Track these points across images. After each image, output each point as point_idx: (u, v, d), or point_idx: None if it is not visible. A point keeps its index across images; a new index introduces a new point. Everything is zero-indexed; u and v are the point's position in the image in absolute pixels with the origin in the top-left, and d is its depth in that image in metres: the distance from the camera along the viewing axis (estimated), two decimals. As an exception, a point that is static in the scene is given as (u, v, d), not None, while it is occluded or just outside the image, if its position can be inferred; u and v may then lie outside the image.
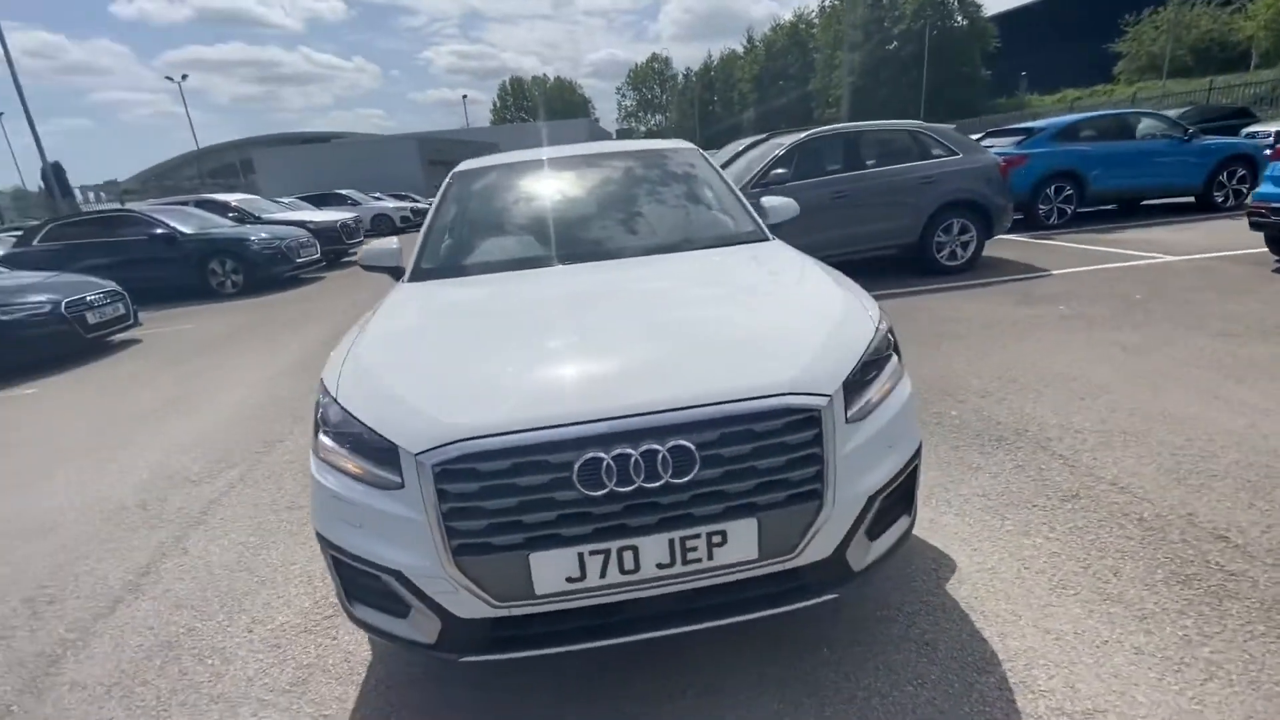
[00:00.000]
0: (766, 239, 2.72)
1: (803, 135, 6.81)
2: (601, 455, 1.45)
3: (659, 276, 2.36)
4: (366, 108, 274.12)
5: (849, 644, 1.93)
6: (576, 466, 1.45)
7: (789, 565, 1.58)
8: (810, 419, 1.55)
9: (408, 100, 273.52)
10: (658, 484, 1.47)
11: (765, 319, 1.88)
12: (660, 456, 1.46)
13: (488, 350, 1.83)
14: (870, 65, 47.32)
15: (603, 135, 77.31)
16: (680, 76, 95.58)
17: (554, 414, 1.49)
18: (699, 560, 1.52)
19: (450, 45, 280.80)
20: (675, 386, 1.54)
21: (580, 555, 1.47)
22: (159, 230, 10.44)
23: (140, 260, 10.27)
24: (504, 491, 1.46)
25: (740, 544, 1.53)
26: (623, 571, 1.50)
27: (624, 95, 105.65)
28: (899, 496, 1.78)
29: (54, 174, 24.26)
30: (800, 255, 2.50)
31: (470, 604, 1.50)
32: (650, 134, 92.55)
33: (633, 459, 1.45)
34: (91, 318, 6.93)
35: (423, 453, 1.46)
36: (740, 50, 71.41)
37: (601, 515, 1.48)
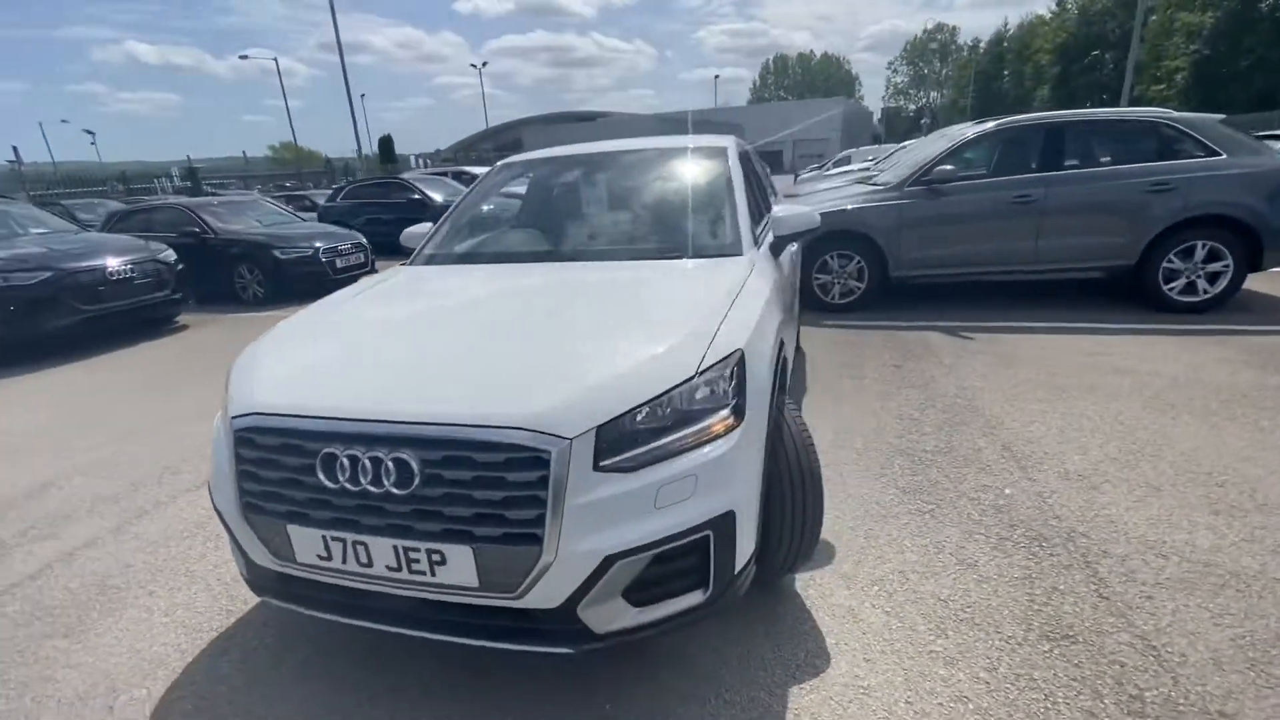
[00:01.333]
0: (738, 254, 2.46)
1: (989, 125, 5.70)
2: (337, 452, 1.57)
3: (575, 287, 2.31)
4: (639, 88, 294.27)
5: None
6: (319, 457, 1.59)
7: (514, 604, 1.53)
8: (537, 459, 1.46)
9: (677, 80, 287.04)
10: (380, 491, 1.54)
11: (589, 345, 1.76)
12: (384, 465, 1.52)
13: (351, 339, 2.03)
14: (1229, 28, 36.16)
15: (862, 115, 72.21)
16: (966, 49, 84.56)
17: (313, 406, 1.65)
18: (423, 574, 1.56)
19: (723, 25, 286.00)
20: (430, 402, 1.58)
21: (325, 538, 1.61)
22: (415, 196, 12.75)
23: (402, 219, 12.61)
24: (271, 465, 1.66)
25: (459, 569, 1.53)
26: (359, 563, 1.61)
27: (895, 71, 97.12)
28: (679, 566, 1.58)
29: (383, 145, 31.24)
30: (738, 277, 2.23)
31: (261, 553, 1.74)
32: (918, 113, 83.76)
33: (360, 461, 1.54)
34: (339, 262, 8.83)
35: (233, 417, 1.74)
36: (1047, 15, 60.30)
37: (339, 507, 1.59)
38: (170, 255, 7.29)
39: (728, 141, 3.14)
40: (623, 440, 1.52)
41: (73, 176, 28.43)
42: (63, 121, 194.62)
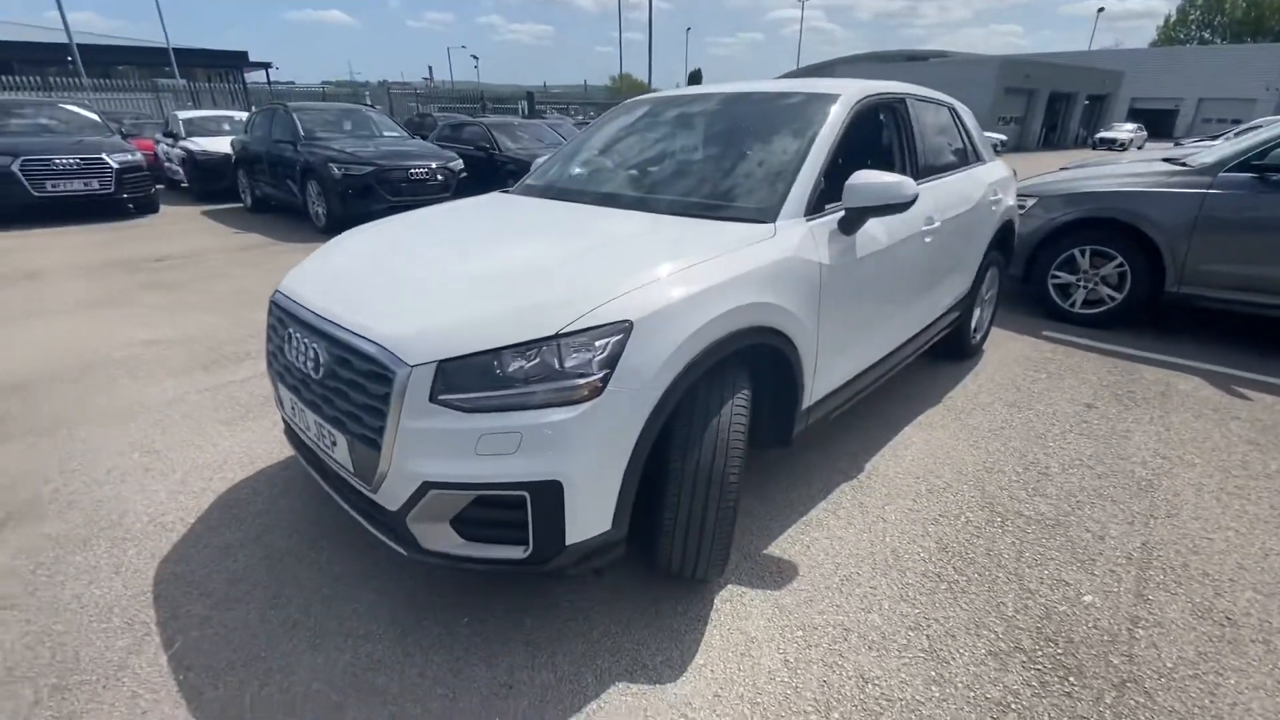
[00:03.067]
0: (764, 221, 2.13)
1: None
2: (293, 332, 1.91)
3: (567, 230, 2.28)
4: (1003, 23, 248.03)
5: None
6: (287, 333, 1.96)
7: (371, 496, 1.73)
8: (384, 377, 1.59)
9: (1055, 14, 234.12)
10: (308, 371, 1.85)
11: (497, 286, 1.77)
12: (310, 350, 1.82)
13: (369, 249, 2.34)
14: None
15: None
16: None
17: (296, 293, 2.01)
18: (328, 448, 1.85)
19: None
20: (349, 309, 1.81)
21: (290, 399, 2.01)
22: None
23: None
24: (273, 332, 2.10)
25: (342, 452, 1.78)
26: (302, 426, 1.97)
27: None
28: (499, 516, 1.60)
29: (692, 79, 32.37)
30: (732, 245, 1.97)
31: (277, 400, 2.24)
32: None
33: (301, 343, 1.86)
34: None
35: (273, 294, 2.21)
36: None
37: (292, 376, 1.96)
38: (458, 164, 8.88)
39: (843, 91, 2.64)
40: (464, 379, 1.56)
41: (460, 94, 35.82)
42: (461, 47, 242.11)
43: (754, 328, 1.88)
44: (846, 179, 2.23)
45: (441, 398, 1.56)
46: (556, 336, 1.56)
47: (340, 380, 1.74)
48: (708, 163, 2.66)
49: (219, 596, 2.02)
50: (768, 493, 2.59)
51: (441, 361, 1.55)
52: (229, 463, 2.82)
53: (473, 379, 1.56)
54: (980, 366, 3.97)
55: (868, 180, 2.20)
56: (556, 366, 1.55)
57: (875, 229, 2.46)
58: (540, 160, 3.44)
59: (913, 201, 2.22)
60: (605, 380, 1.56)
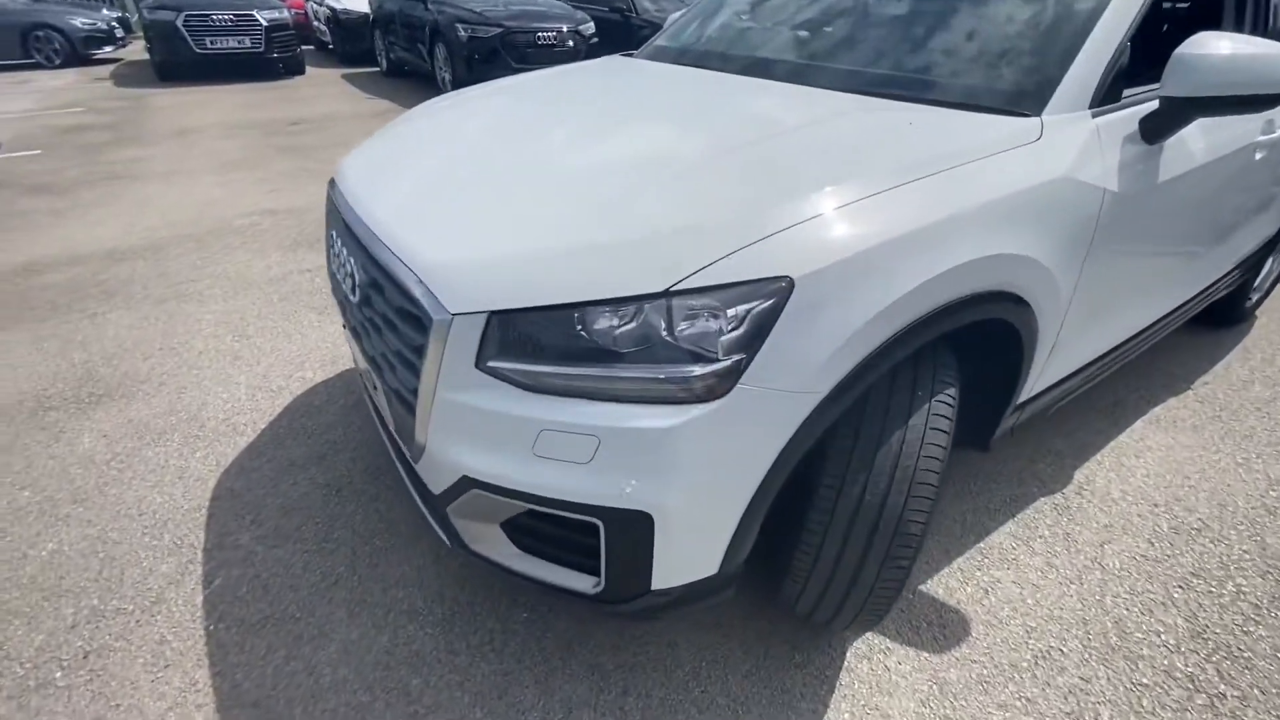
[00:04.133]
0: (1028, 114, 1.31)
1: None
2: (334, 233, 1.47)
3: (721, 119, 1.55)
4: None
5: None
6: (330, 233, 1.52)
7: (413, 459, 1.33)
8: (417, 321, 1.12)
9: None
10: (346, 288, 1.42)
11: (622, 206, 1.16)
12: (349, 265, 1.38)
13: (457, 130, 1.79)
14: None
15: None
16: None
17: (343, 186, 1.54)
18: (373, 390, 1.46)
19: None
20: (396, 215, 1.31)
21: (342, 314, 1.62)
22: None
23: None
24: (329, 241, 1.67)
25: (382, 401, 1.37)
26: (353, 352, 1.59)
27: None
28: (565, 536, 1.12)
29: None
30: (956, 163, 1.19)
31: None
32: None
33: (339, 248, 1.43)
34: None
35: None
36: None
37: (338, 288, 1.54)
38: (589, 28, 7.96)
39: None
40: (526, 344, 1.04)
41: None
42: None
43: (986, 294, 1.18)
44: (1162, 46, 1.34)
45: (491, 364, 1.06)
46: (667, 294, 0.97)
47: (376, 312, 1.30)
48: (924, 11, 1.79)
49: (268, 528, 1.80)
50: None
51: (495, 313, 1.04)
52: (310, 360, 2.60)
53: (537, 343, 1.04)
54: (1251, 339, 2.86)
55: (1218, 50, 1.29)
56: (664, 342, 0.99)
57: (1193, 137, 1.54)
58: (676, 15, 2.66)
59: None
60: (739, 371, 0.98)
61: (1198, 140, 1.58)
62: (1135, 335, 1.89)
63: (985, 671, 1.46)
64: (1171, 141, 1.48)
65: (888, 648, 1.51)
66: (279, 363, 2.58)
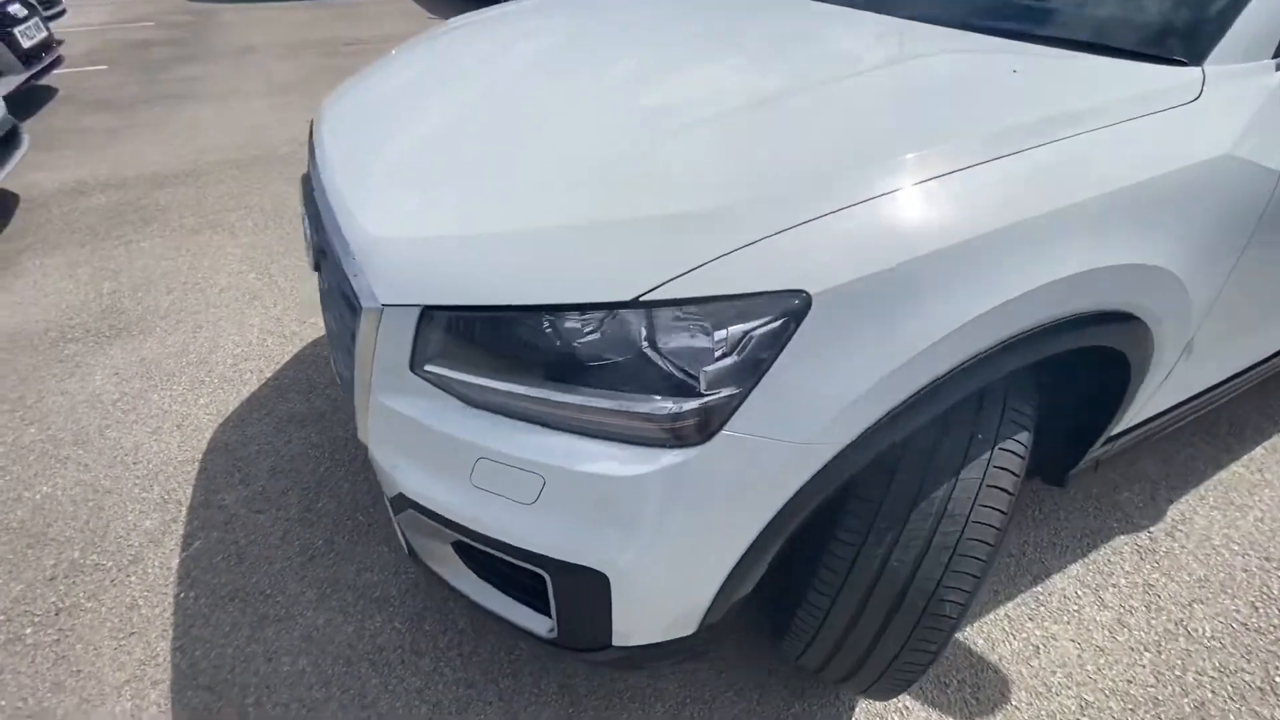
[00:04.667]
0: (1181, 63, 0.95)
1: None
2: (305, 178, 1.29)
3: (774, 53, 1.24)
4: None
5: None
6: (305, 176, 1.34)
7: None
8: (349, 304, 0.93)
9: None
10: (309, 255, 1.24)
11: (614, 178, 0.90)
12: (314, 235, 1.19)
13: (457, 61, 1.52)
14: None
15: None
16: None
17: (319, 123, 1.33)
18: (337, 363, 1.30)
19: None
20: (366, 183, 1.09)
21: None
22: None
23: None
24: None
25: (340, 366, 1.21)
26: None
27: None
28: (509, 573, 0.94)
29: None
30: (1070, 130, 0.86)
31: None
32: None
33: (305, 217, 1.24)
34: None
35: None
36: None
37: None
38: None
39: None
40: (467, 349, 0.83)
41: None
42: None
43: (1090, 316, 0.88)
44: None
45: (429, 369, 0.86)
46: (636, 305, 0.73)
47: (325, 281, 1.12)
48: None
49: (254, 490, 1.73)
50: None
51: (429, 308, 0.83)
52: (326, 306, 2.50)
53: (480, 350, 0.83)
54: None
55: None
56: (630, 366, 0.76)
57: None
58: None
59: None
60: (728, 410, 0.74)
61: None
62: (1269, 357, 1.50)
63: (1022, 752, 1.23)
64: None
65: (905, 706, 1.29)
66: (294, 306, 2.48)
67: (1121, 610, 1.47)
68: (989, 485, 0.91)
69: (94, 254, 2.84)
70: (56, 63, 4.69)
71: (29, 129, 4.08)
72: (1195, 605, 1.48)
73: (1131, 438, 1.35)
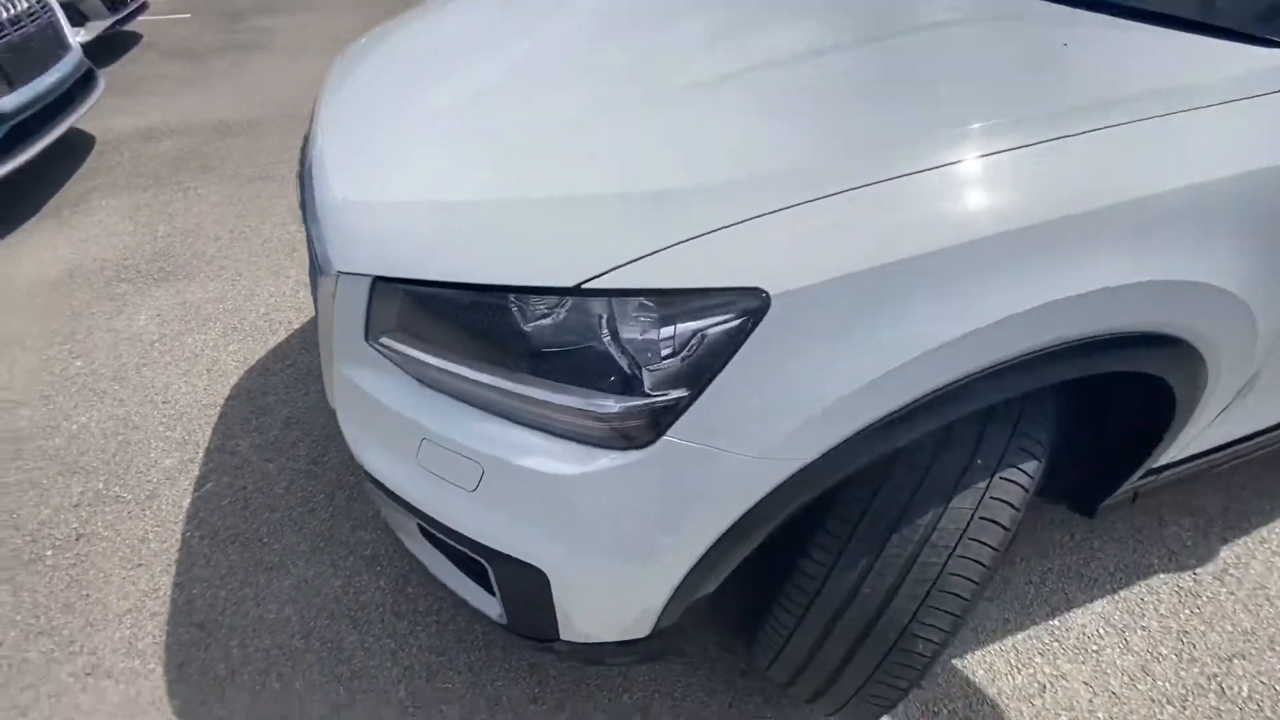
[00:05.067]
0: (1268, 43, 0.79)
1: None
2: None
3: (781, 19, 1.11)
4: None
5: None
6: None
7: None
8: (317, 266, 0.90)
9: None
10: (300, 207, 1.23)
11: (604, 151, 0.83)
12: (300, 189, 1.17)
13: (482, 18, 1.46)
14: None
15: None
16: None
17: (328, 78, 1.30)
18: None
19: None
20: (348, 144, 1.05)
21: None
22: None
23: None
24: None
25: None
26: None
27: None
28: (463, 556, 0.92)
29: None
30: (1113, 115, 0.73)
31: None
32: None
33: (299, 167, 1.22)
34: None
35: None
36: None
37: None
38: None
39: None
40: (419, 320, 0.79)
41: None
42: None
43: (1127, 337, 0.76)
44: None
45: (384, 341, 0.83)
46: (578, 292, 0.67)
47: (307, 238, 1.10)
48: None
49: (268, 438, 1.78)
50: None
51: (380, 280, 0.79)
52: (359, 262, 2.54)
53: (429, 326, 0.79)
54: None
55: None
56: (572, 357, 0.70)
57: None
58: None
59: None
60: (673, 413, 0.67)
61: None
62: None
63: (1008, 797, 1.14)
64: None
65: (888, 732, 1.22)
66: (329, 260, 2.54)
67: (1148, 656, 1.33)
68: (981, 517, 0.81)
69: (155, 198, 2.97)
70: (141, 9, 4.89)
71: (113, 74, 4.29)
72: (1235, 660, 1.33)
73: (1177, 472, 1.20)
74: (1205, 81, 0.77)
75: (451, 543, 0.85)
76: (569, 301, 0.68)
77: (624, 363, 0.67)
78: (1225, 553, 1.53)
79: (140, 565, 1.47)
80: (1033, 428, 0.86)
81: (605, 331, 0.67)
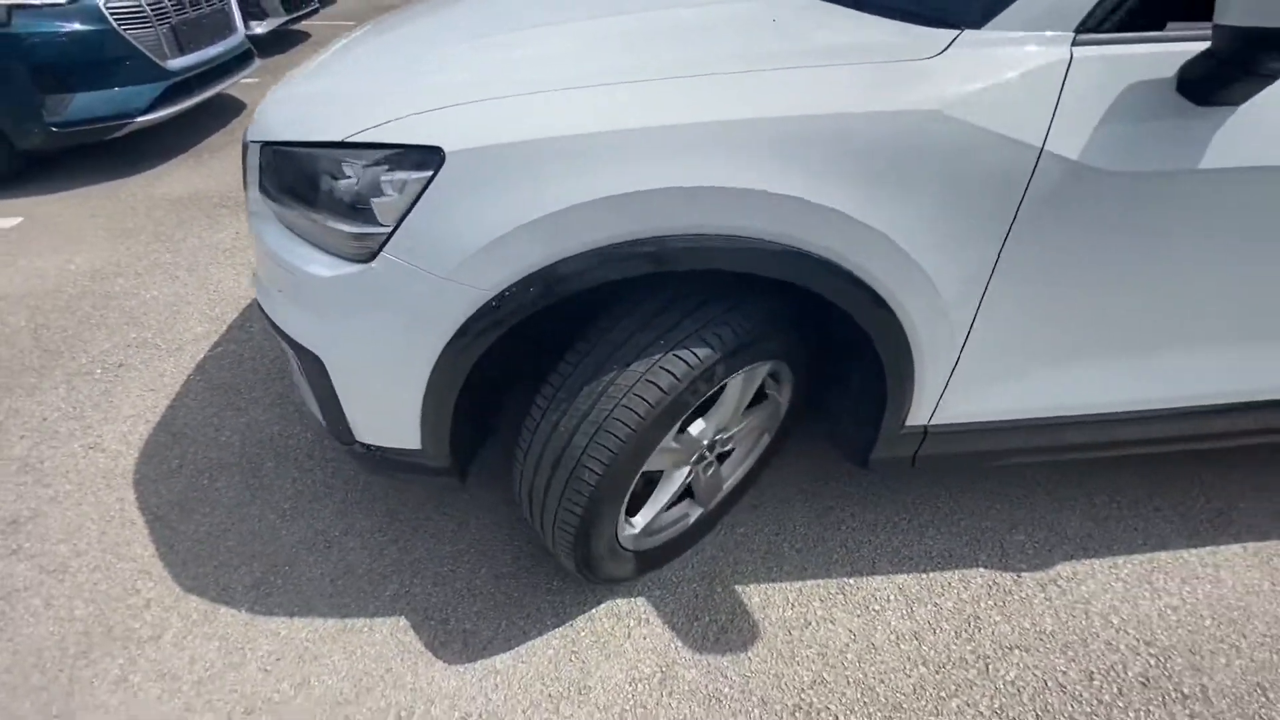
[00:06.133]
0: (947, 25, 0.94)
1: None
2: None
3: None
4: None
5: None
6: None
7: None
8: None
9: None
10: None
11: (410, 68, 1.14)
12: None
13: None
14: None
15: None
16: None
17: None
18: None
19: None
20: (315, 64, 1.44)
21: None
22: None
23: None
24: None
25: None
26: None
27: None
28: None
29: None
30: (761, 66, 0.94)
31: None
32: None
33: None
34: None
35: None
36: None
37: None
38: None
39: None
40: (278, 175, 1.12)
41: None
42: None
43: (780, 252, 0.94)
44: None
45: (266, 190, 1.17)
46: (340, 145, 0.97)
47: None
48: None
49: (274, 325, 2.23)
50: (841, 509, 1.63)
51: (263, 144, 1.13)
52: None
53: (280, 178, 1.12)
54: None
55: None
56: (333, 193, 1.00)
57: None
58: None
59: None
60: (385, 238, 0.95)
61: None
62: (1171, 406, 1.29)
63: (727, 692, 1.26)
64: (1256, 108, 0.94)
65: (649, 619, 1.37)
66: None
67: (926, 627, 1.39)
68: (647, 379, 1.01)
69: (271, 153, 3.67)
70: (313, 13, 5.93)
71: (277, 61, 5.24)
72: (1017, 651, 1.35)
73: (952, 445, 1.29)
74: (859, 44, 0.95)
75: (282, 342, 1.17)
76: (331, 153, 0.99)
77: (353, 198, 0.96)
78: (1063, 568, 1.53)
79: (153, 390, 1.93)
80: (721, 327, 1.04)
81: (348, 174, 0.97)
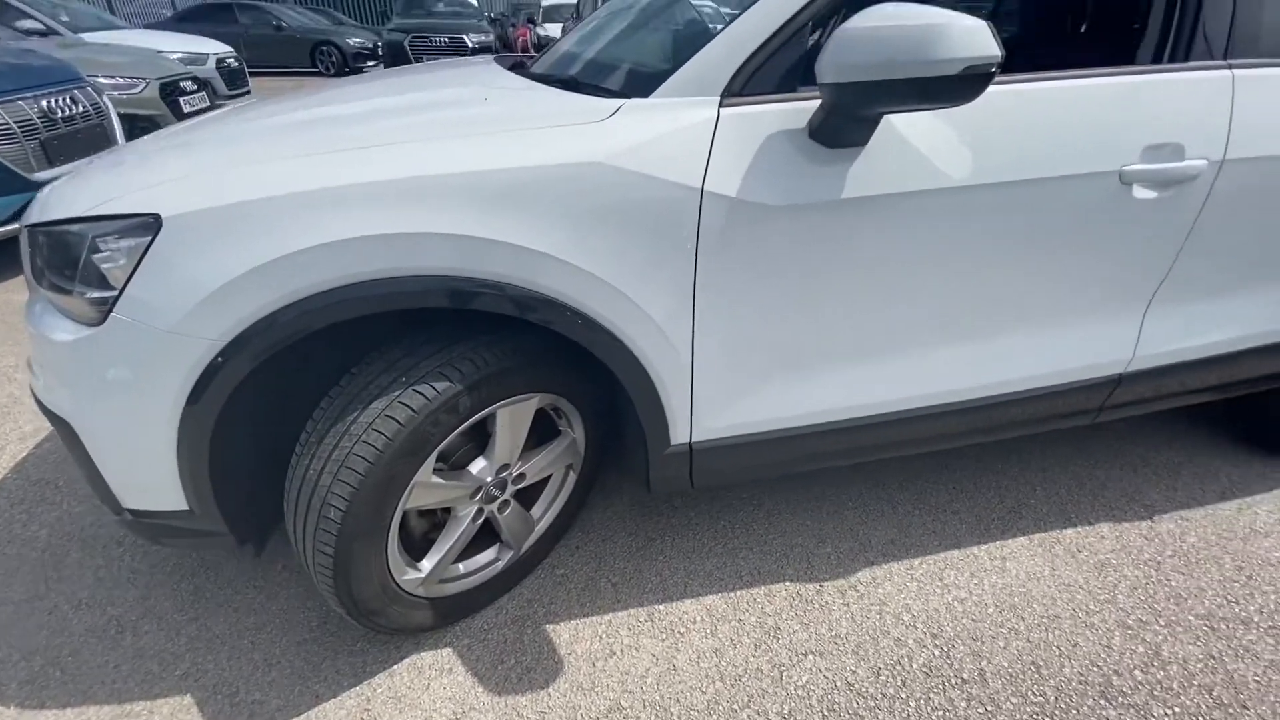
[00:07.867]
0: (620, 96, 1.13)
1: None
2: None
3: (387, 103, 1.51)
4: None
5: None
6: None
7: None
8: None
9: None
10: None
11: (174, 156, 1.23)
12: None
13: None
14: None
15: None
16: None
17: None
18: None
19: None
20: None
21: None
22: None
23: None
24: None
25: None
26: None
27: None
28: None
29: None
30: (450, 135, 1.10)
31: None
32: None
33: None
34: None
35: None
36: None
37: None
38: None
39: None
40: (35, 253, 1.16)
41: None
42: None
43: (477, 283, 1.05)
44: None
45: (32, 269, 1.21)
46: (78, 220, 1.05)
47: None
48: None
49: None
50: (663, 539, 1.69)
51: (26, 227, 1.19)
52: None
53: (36, 255, 1.16)
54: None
55: (866, 23, 0.99)
56: (79, 264, 1.06)
57: (934, 144, 1.18)
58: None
59: (987, 71, 0.96)
60: (111, 301, 1.02)
61: (950, 150, 1.19)
62: (912, 409, 1.44)
63: (520, 730, 1.25)
64: (878, 146, 1.15)
65: (452, 669, 1.37)
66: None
67: (727, 643, 1.43)
68: (386, 414, 1.08)
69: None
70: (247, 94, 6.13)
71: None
72: (811, 656, 1.41)
73: (726, 461, 1.39)
74: (542, 114, 1.13)
75: (45, 418, 1.18)
76: (69, 228, 1.06)
77: (87, 265, 1.03)
78: (864, 574, 1.62)
79: None
80: (462, 361, 1.13)
81: (84, 246, 1.04)
